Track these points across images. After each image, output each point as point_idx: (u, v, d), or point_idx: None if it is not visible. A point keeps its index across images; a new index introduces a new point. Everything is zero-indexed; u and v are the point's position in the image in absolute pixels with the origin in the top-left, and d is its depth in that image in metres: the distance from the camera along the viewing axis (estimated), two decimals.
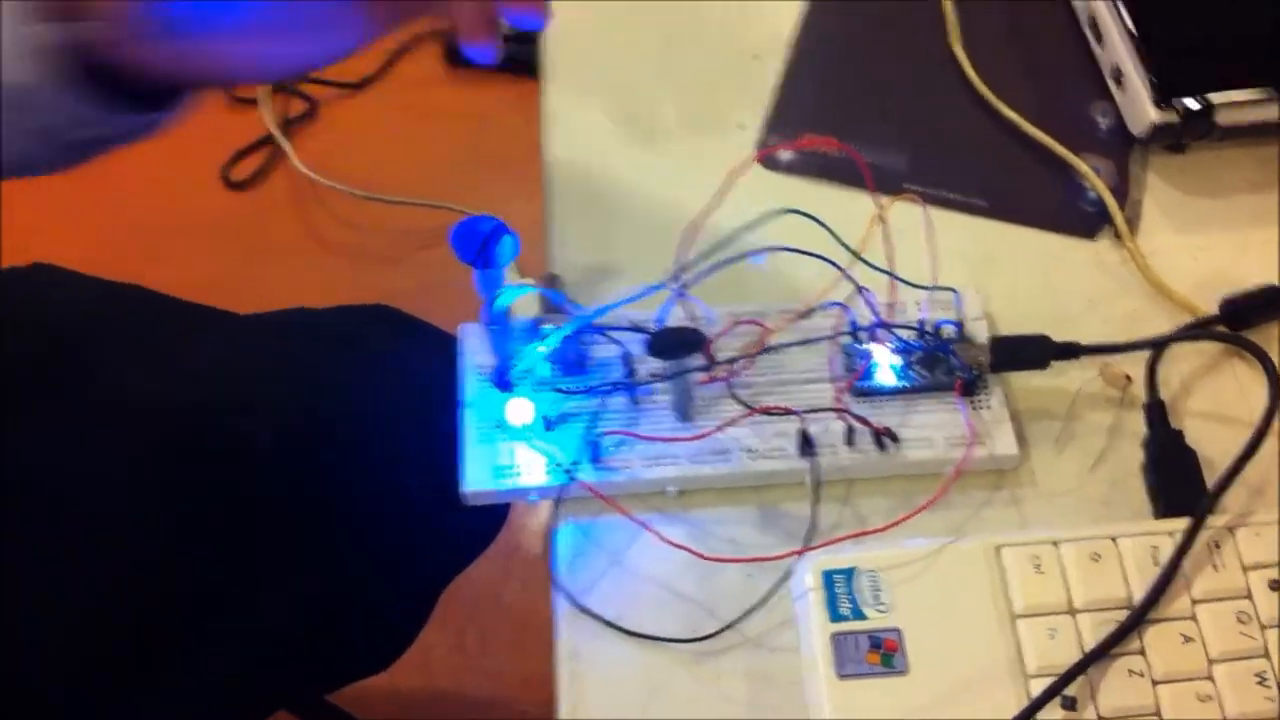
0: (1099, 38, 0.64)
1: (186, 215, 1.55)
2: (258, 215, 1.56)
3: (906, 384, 0.54)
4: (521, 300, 0.53)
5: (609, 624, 0.50)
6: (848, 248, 0.53)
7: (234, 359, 0.76)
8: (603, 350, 0.54)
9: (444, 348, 0.78)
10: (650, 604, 0.50)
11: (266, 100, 1.60)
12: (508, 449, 0.52)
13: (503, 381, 0.53)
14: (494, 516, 0.84)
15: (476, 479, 0.52)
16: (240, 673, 0.72)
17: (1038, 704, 0.45)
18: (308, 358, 0.78)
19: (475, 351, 0.55)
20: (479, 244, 0.50)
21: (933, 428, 0.53)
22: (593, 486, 0.51)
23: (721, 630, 0.49)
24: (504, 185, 1.33)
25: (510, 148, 1.46)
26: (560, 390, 0.53)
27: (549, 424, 0.52)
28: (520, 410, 0.52)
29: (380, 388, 0.78)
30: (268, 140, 1.59)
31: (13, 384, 0.71)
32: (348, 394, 0.77)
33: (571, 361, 0.53)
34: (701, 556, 0.50)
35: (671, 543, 0.50)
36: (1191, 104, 0.60)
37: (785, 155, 0.62)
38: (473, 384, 0.54)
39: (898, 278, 0.53)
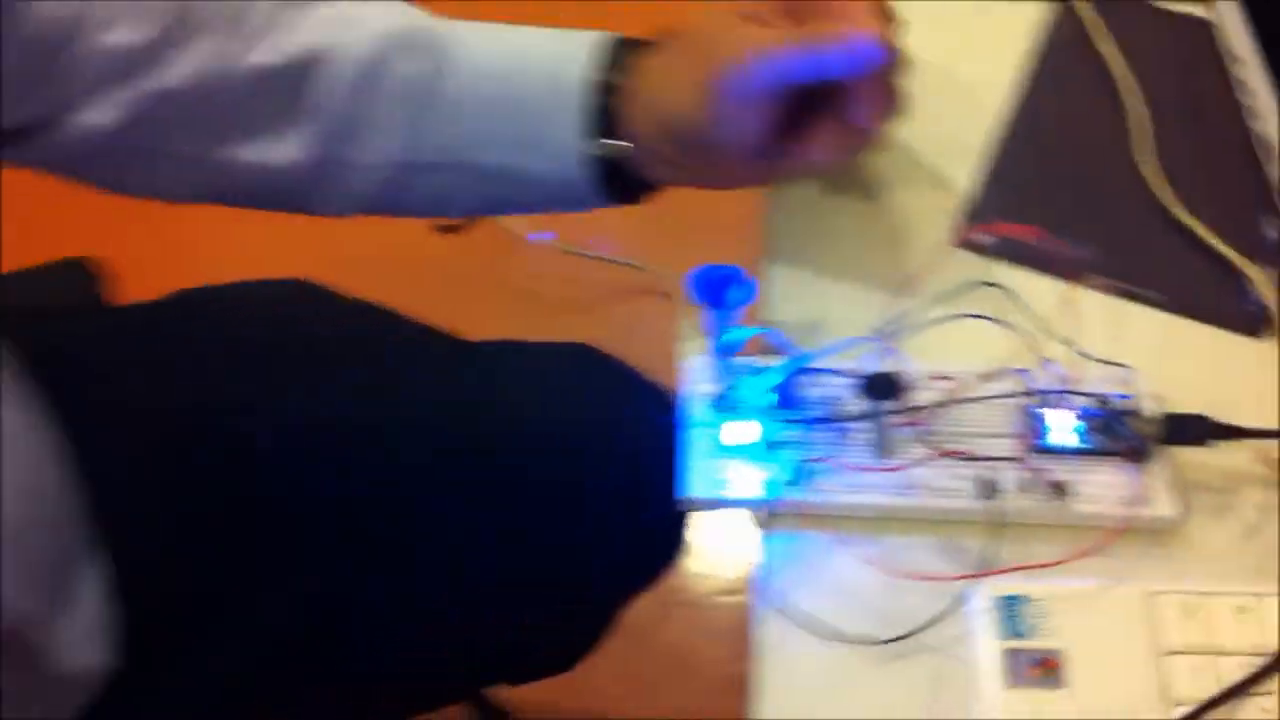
0: (1268, 158, 0.71)
1: (395, 251, 1.67)
2: (460, 259, 1.68)
3: (1080, 446, 0.61)
4: (749, 340, 0.62)
5: (803, 624, 0.58)
6: (1035, 322, 0.61)
7: (483, 376, 0.86)
8: (813, 389, 0.62)
9: (637, 386, 0.88)
10: (839, 612, 0.58)
11: None
12: (726, 465, 0.61)
13: (725, 407, 0.61)
14: (668, 548, 0.93)
15: (698, 488, 0.60)
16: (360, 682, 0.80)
17: None
18: (532, 384, 0.88)
19: (701, 380, 0.63)
20: (717, 287, 0.59)
21: (1100, 486, 0.60)
22: (799, 504, 0.59)
23: (903, 637, 0.57)
24: (694, 248, 1.42)
25: (708, 212, 1.55)
26: (776, 419, 0.61)
27: (763, 447, 0.61)
28: (741, 432, 0.60)
29: (575, 419, 0.87)
30: None
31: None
32: (551, 421, 0.86)
33: (786, 395, 0.62)
34: (891, 574, 0.57)
35: (866, 560, 0.58)
36: None
37: (984, 236, 0.69)
38: (698, 408, 0.62)
39: (1080, 351, 0.61)
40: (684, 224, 1.63)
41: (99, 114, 0.68)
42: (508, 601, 0.84)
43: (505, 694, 1.19)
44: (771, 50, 0.60)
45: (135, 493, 0.75)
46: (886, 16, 0.61)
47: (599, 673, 1.01)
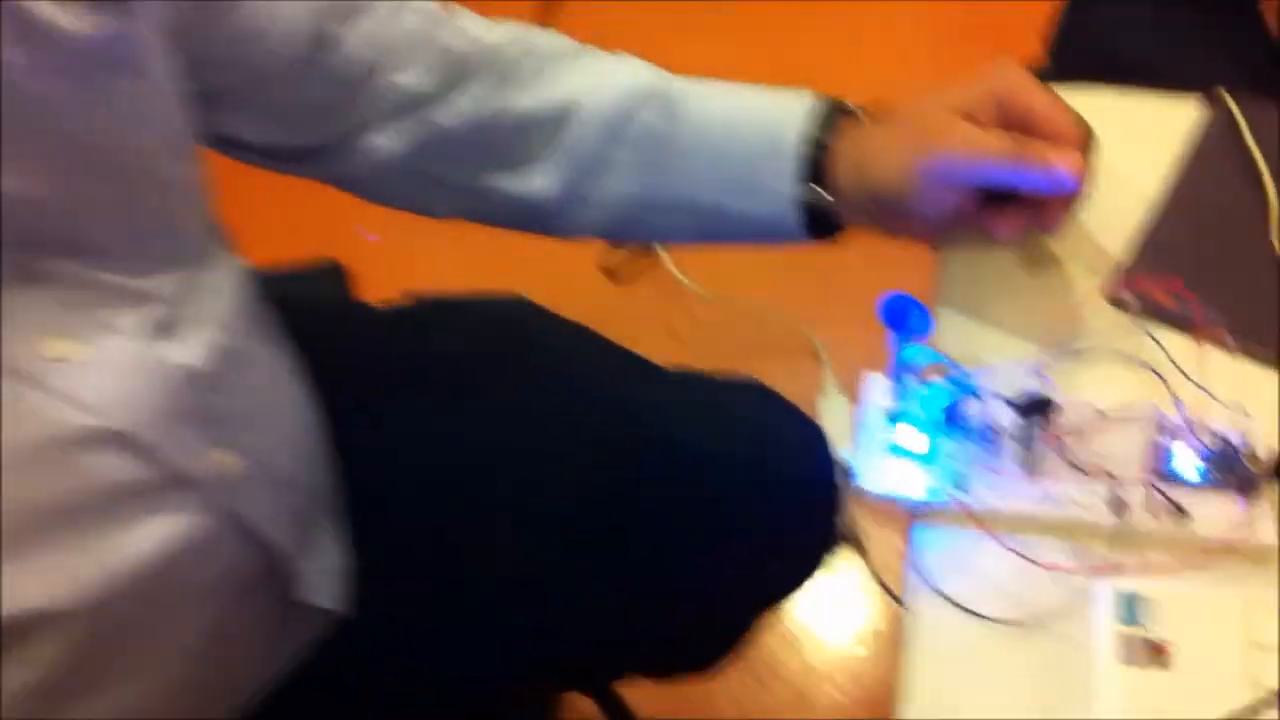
0: None
1: (562, 288, 1.81)
2: (624, 300, 1.82)
3: (1199, 477, 0.71)
4: (924, 362, 0.74)
5: (952, 602, 0.69)
6: (1170, 368, 0.72)
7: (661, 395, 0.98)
8: (974, 408, 0.74)
9: (801, 420, 0.98)
10: (982, 596, 0.69)
11: None
12: (897, 466, 0.72)
13: (899, 417, 0.73)
14: (815, 565, 1.03)
15: (870, 482, 0.72)
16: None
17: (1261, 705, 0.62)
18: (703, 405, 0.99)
19: (878, 394, 0.75)
20: (902, 314, 0.71)
21: (1213, 511, 0.70)
22: (954, 505, 0.71)
23: (1034, 620, 0.68)
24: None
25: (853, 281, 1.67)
26: (941, 431, 0.73)
27: (929, 455, 0.72)
28: (911, 440, 0.72)
29: (750, 442, 0.97)
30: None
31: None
32: (730, 440, 0.96)
33: (951, 412, 0.73)
34: (1034, 562, 0.68)
35: (1013, 550, 0.69)
36: None
37: (1132, 294, 0.80)
38: (874, 416, 0.74)
39: (1207, 396, 0.72)
40: (841, 284, 1.76)
41: (387, 140, 0.83)
42: (678, 598, 0.94)
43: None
44: (981, 151, 0.72)
45: (381, 473, 0.88)
46: (1087, 142, 0.73)
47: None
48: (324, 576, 0.83)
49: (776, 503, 0.95)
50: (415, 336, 0.97)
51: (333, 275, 0.98)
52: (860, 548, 1.54)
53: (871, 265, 1.74)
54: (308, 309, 0.89)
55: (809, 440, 0.98)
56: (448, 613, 0.87)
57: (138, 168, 0.67)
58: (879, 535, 1.54)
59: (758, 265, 1.83)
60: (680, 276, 1.81)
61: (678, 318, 1.81)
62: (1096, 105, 0.74)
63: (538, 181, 0.83)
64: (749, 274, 1.83)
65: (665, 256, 1.84)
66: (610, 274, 1.85)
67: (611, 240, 0.89)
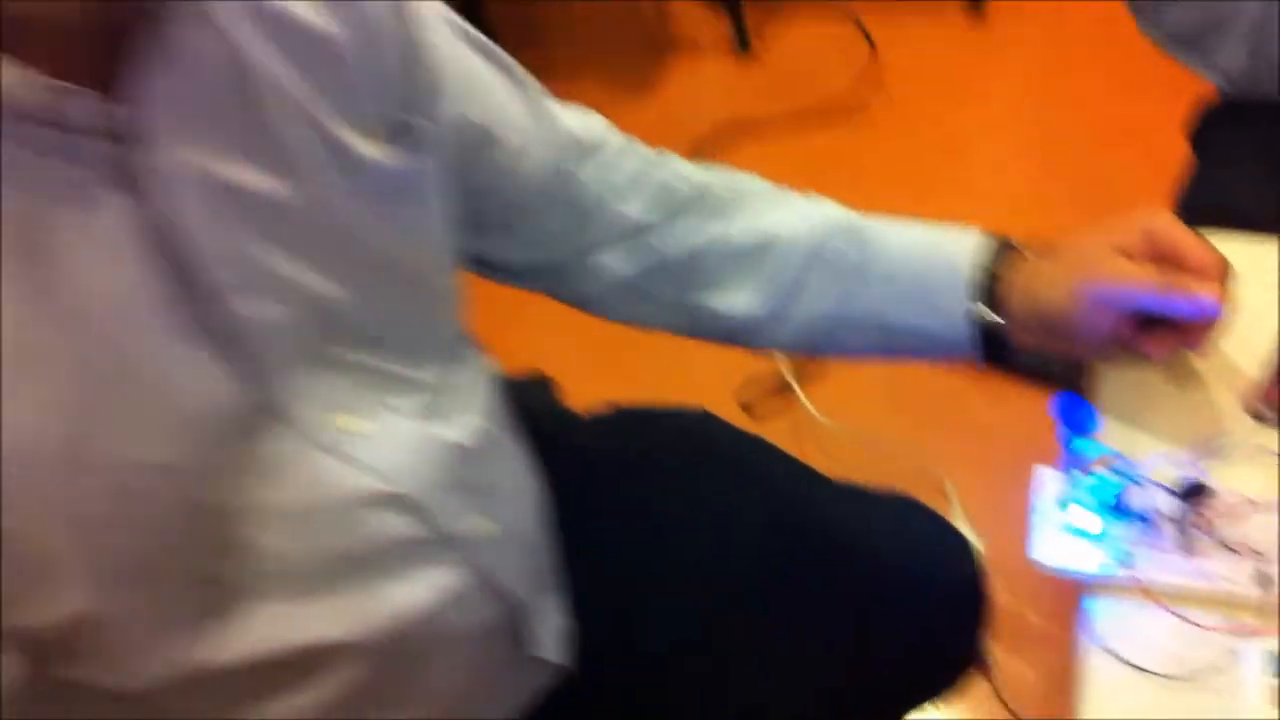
0: None
1: None
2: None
3: None
4: (1092, 455, 0.86)
5: (1121, 659, 0.80)
6: None
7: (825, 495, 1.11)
8: (1137, 494, 0.86)
9: (954, 534, 1.09)
10: (1147, 654, 0.80)
11: (783, 352, 2.02)
12: (1071, 543, 0.85)
13: (1070, 502, 0.86)
14: (946, 675, 1.13)
15: (1045, 556, 0.84)
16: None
17: None
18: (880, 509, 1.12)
19: (1051, 484, 0.87)
20: (1074, 411, 0.84)
21: None
22: (1122, 578, 0.82)
23: (1194, 675, 0.79)
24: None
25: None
26: (1109, 514, 0.85)
27: (1098, 534, 0.84)
28: (1082, 520, 0.84)
29: (909, 552, 1.08)
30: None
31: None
32: (891, 547, 1.08)
33: (1118, 497, 0.85)
34: (1194, 624, 0.80)
35: (1175, 614, 0.80)
36: None
37: (1268, 407, 0.92)
38: (1049, 502, 0.87)
39: None
40: (971, 428, 1.89)
41: (613, 262, 0.97)
42: (822, 679, 1.04)
43: None
44: (1135, 283, 0.85)
45: (594, 551, 1.02)
46: (1226, 275, 0.85)
47: None
48: (550, 634, 0.95)
49: (925, 603, 1.05)
50: (620, 438, 1.11)
51: (544, 384, 1.12)
52: (988, 670, 1.63)
53: (1000, 415, 1.89)
54: (530, 411, 1.04)
55: (960, 552, 1.09)
56: (650, 667, 1.00)
57: (415, 277, 0.81)
58: (1005, 660, 1.63)
59: (892, 405, 1.97)
60: (815, 413, 1.94)
61: (812, 453, 1.93)
62: (1225, 249, 0.87)
63: (743, 301, 0.97)
64: (883, 413, 1.96)
65: (800, 393, 1.97)
66: (747, 409, 1.98)
67: (802, 354, 1.02)
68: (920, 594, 1.05)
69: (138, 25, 0.63)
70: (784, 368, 2.01)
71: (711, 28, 2.64)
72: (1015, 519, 0.90)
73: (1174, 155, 1.38)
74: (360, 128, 0.74)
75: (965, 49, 2.57)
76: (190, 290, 0.66)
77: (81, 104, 0.61)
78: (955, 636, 1.10)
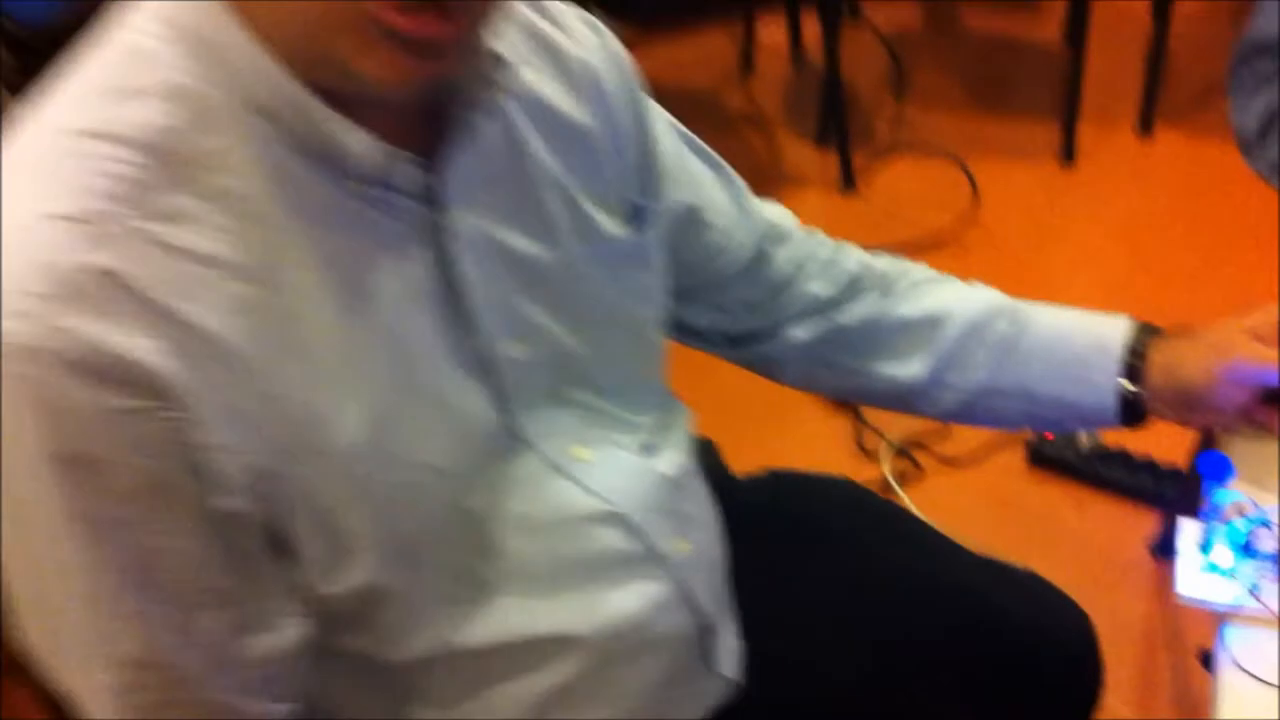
0: None
1: None
2: None
3: None
4: (1227, 501, 0.98)
5: (1255, 677, 0.91)
6: None
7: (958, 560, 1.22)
8: (1268, 536, 0.97)
9: (1072, 605, 1.20)
10: (1276, 673, 0.92)
11: (887, 456, 2.15)
12: (1213, 581, 0.96)
13: (1212, 544, 0.98)
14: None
15: (1187, 589, 0.96)
16: None
17: None
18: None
19: (1191, 529, 0.99)
20: (1213, 465, 0.96)
21: None
22: (1256, 608, 0.94)
23: None
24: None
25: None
26: (1243, 553, 0.97)
27: (1234, 570, 0.96)
28: (1221, 556, 0.96)
29: (1030, 606, 1.19)
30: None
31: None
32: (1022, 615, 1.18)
33: (1249, 539, 0.97)
34: None
35: None
36: None
37: None
38: (1188, 545, 0.99)
39: None
40: (1053, 530, 1.97)
41: (799, 332, 1.11)
42: None
43: None
44: (1267, 362, 0.97)
45: (757, 596, 1.11)
46: None
47: None
48: (729, 653, 1.07)
49: (1049, 668, 1.15)
50: (780, 496, 1.24)
51: (709, 445, 1.26)
52: None
53: (1085, 521, 1.99)
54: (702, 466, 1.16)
55: (1082, 628, 1.19)
56: (810, 686, 1.11)
57: (636, 333, 0.96)
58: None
59: (985, 515, 2.08)
60: (916, 512, 2.05)
61: None
62: None
63: (911, 369, 1.10)
64: (980, 514, 2.07)
65: (902, 494, 2.09)
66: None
67: (953, 420, 1.15)
68: (1043, 661, 1.15)
69: (452, 109, 0.79)
70: (887, 470, 2.13)
71: (820, 167, 2.81)
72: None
73: (1260, 296, 1.50)
74: (604, 206, 0.91)
75: (1058, 193, 2.72)
76: (466, 328, 0.82)
77: (407, 170, 0.77)
78: (1071, 708, 1.20)
